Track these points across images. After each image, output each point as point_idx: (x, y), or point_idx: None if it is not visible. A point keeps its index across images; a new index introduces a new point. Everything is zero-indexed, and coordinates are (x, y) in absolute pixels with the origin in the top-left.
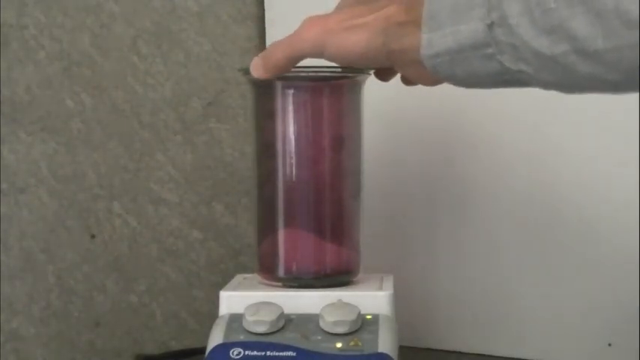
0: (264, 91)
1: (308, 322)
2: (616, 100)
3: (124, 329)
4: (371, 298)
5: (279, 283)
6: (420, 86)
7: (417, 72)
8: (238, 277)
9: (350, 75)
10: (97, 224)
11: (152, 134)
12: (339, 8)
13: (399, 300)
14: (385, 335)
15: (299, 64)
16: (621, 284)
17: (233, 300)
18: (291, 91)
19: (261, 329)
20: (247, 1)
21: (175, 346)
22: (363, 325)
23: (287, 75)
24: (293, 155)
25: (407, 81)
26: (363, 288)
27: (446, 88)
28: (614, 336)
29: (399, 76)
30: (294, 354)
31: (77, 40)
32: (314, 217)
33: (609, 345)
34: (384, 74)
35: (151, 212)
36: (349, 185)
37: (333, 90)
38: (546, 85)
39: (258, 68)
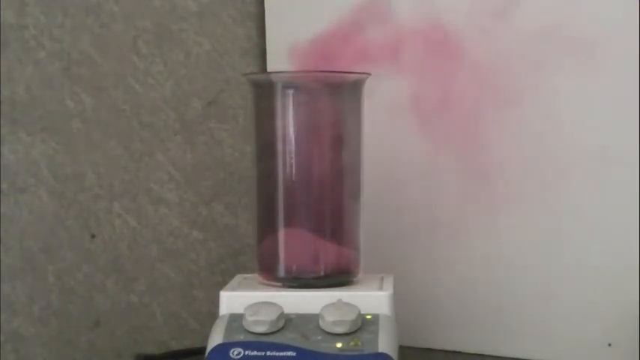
0: (264, 91)
1: (308, 322)
2: (618, 99)
3: (124, 329)
4: (371, 298)
5: (279, 283)
6: (419, 87)
7: None
8: (238, 277)
9: (350, 75)
10: (97, 224)
11: (152, 134)
12: None
13: (399, 300)
14: (385, 335)
15: (299, 65)
16: (621, 284)
17: (233, 300)
18: (291, 92)
19: (261, 329)
20: (247, 1)
21: (175, 346)
22: (363, 325)
23: (287, 75)
24: (293, 155)
25: None
26: (363, 288)
27: (446, 88)
28: (614, 336)
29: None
30: (294, 354)
31: (77, 40)
32: (314, 217)
33: (609, 345)
34: None
35: (151, 212)
36: (349, 185)
37: (333, 90)
38: None
39: None
